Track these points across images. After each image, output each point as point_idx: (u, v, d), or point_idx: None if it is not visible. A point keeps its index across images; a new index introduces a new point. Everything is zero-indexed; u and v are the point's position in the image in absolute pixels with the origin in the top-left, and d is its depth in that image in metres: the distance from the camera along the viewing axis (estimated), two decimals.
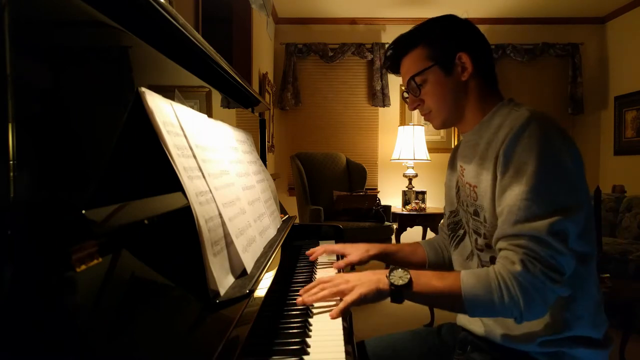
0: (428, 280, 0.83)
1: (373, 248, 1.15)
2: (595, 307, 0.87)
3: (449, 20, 0.99)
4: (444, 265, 1.17)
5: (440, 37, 0.96)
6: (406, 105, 4.64)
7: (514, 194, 0.80)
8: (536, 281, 0.76)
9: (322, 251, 1.18)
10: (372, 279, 0.84)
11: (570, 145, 0.83)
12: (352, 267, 2.17)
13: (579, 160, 0.83)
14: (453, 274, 0.84)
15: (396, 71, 1.05)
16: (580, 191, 0.82)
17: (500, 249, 0.83)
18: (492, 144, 0.89)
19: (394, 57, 1.04)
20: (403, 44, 1.01)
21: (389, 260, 1.18)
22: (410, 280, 0.82)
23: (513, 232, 0.80)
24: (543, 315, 0.81)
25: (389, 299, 0.82)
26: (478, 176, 0.92)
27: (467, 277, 0.81)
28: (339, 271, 1.11)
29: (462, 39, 0.96)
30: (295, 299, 0.92)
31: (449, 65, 0.95)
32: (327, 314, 0.86)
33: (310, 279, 1.05)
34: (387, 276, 0.83)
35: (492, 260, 0.90)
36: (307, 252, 1.18)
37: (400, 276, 0.83)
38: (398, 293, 0.82)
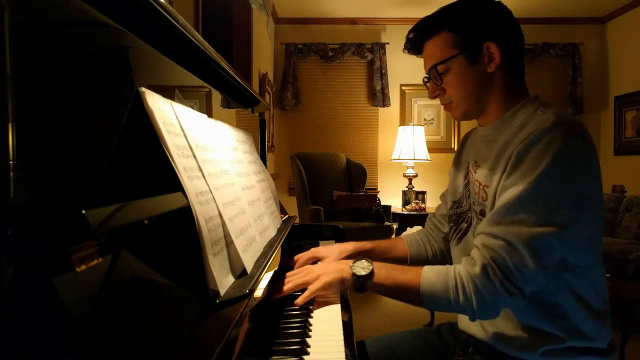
0: (389, 272, 0.85)
1: (346, 248, 1.10)
2: (600, 317, 0.84)
3: (478, 4, 0.90)
4: (426, 259, 1.14)
5: (467, 23, 0.89)
6: (406, 105, 4.65)
7: (510, 195, 0.77)
8: (492, 288, 0.76)
9: (298, 265, 1.05)
10: (337, 268, 0.88)
11: (590, 159, 0.78)
12: None
13: (597, 176, 0.78)
14: (416, 268, 0.85)
15: (417, 53, 0.98)
16: (584, 209, 0.77)
17: (475, 245, 0.82)
18: (510, 144, 0.84)
19: (415, 39, 0.97)
20: (426, 28, 0.94)
21: (366, 256, 1.15)
22: (372, 271, 0.85)
23: (491, 231, 0.78)
24: (494, 317, 0.82)
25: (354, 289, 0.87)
26: (491, 176, 0.87)
27: (427, 273, 0.83)
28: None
29: (491, 27, 0.88)
30: (295, 299, 0.92)
31: (475, 55, 0.88)
32: (328, 313, 0.86)
33: None
34: (350, 266, 0.87)
35: None
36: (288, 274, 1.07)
37: (363, 267, 0.86)
38: (360, 283, 0.85)
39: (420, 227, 4.25)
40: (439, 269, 0.83)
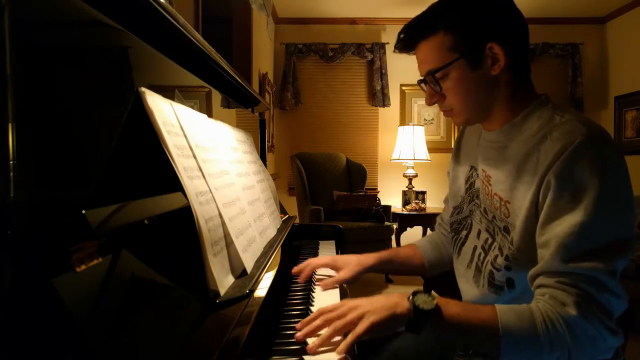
0: (459, 309, 0.71)
1: (366, 259, 1.02)
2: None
3: None
4: (447, 264, 1.09)
5: (467, 23, 0.79)
6: (406, 105, 4.64)
7: (568, 225, 0.68)
8: (591, 329, 0.66)
9: (311, 269, 1.03)
10: (387, 303, 0.71)
11: (624, 166, 0.72)
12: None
13: (631, 186, 0.72)
14: (488, 307, 0.71)
15: (409, 52, 0.88)
16: (634, 217, 0.72)
17: (542, 285, 0.71)
18: (532, 156, 0.76)
19: (407, 40, 0.87)
20: (420, 28, 0.84)
21: (386, 270, 1.09)
22: (437, 305, 0.69)
23: (565, 270, 0.68)
24: None
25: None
26: (512, 190, 0.79)
27: (506, 313, 0.69)
28: (341, 294, 0.95)
29: (493, 24, 0.79)
30: (295, 299, 0.92)
31: (476, 58, 0.79)
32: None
33: (310, 280, 1.05)
34: (408, 299, 0.70)
35: (510, 283, 0.81)
36: (294, 271, 1.03)
37: (424, 300, 0.70)
38: (421, 320, 0.69)
39: (420, 227, 4.18)
40: (519, 309, 0.70)
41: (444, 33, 0.80)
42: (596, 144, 0.70)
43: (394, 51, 0.93)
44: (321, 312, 0.73)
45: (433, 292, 0.73)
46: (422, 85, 0.88)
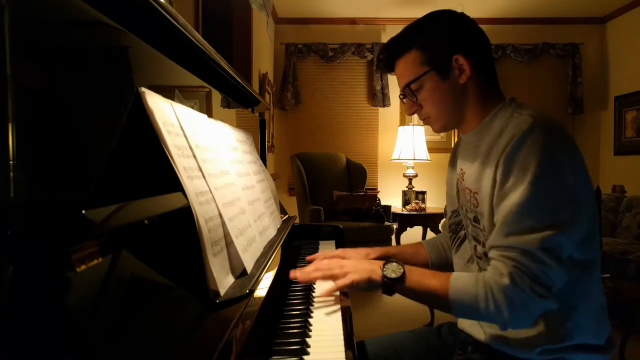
0: (420, 277, 0.85)
1: (373, 252, 1.11)
2: (599, 314, 0.86)
3: (442, 19, 0.93)
4: (447, 265, 1.15)
5: (434, 39, 0.91)
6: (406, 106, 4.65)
7: (510, 204, 0.78)
8: (523, 295, 0.76)
9: (322, 257, 1.11)
10: (367, 267, 0.87)
11: (573, 152, 0.80)
12: None
13: (582, 168, 0.80)
14: (445, 274, 0.84)
15: (390, 71, 1.01)
16: (580, 202, 0.79)
17: (491, 258, 0.82)
18: (493, 149, 0.86)
19: (386, 60, 1.00)
20: (395, 48, 0.96)
21: None
22: (404, 274, 0.84)
23: (504, 244, 0.79)
24: (528, 325, 0.82)
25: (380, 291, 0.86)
26: (478, 182, 0.89)
27: (456, 281, 0.82)
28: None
29: (457, 39, 0.91)
30: (295, 299, 0.92)
31: (445, 69, 0.90)
32: (328, 313, 0.86)
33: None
34: (381, 267, 0.86)
35: None
36: (308, 258, 1.14)
37: (393, 269, 0.85)
38: (390, 286, 0.84)
39: (420, 227, 4.19)
40: (468, 277, 0.82)
41: (417, 50, 0.92)
42: (538, 131, 0.79)
43: (375, 71, 1.05)
44: (316, 263, 0.94)
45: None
46: (403, 100, 1.02)
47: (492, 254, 0.82)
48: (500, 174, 0.81)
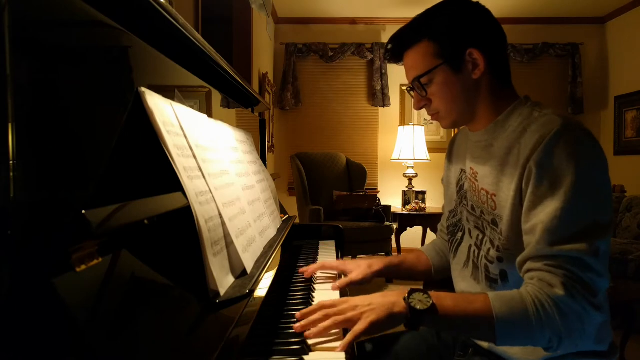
0: (454, 303, 0.73)
1: (376, 263, 1.05)
2: (603, 322, 0.80)
3: (457, 9, 0.87)
4: (449, 270, 1.10)
5: (448, 31, 0.85)
6: (406, 105, 4.64)
7: (550, 210, 0.73)
8: (578, 307, 0.70)
9: (318, 268, 1.06)
10: (384, 302, 0.73)
11: (602, 153, 0.76)
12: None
13: (607, 171, 0.76)
14: (479, 295, 0.75)
15: (398, 62, 0.95)
16: (612, 205, 0.75)
17: (530, 270, 0.75)
18: (513, 150, 0.81)
19: (395, 50, 0.93)
20: (405, 38, 0.90)
21: (394, 275, 1.12)
22: (433, 304, 0.72)
23: (550, 253, 0.72)
24: (581, 342, 0.73)
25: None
26: (497, 184, 0.84)
27: (497, 301, 0.73)
28: (340, 293, 0.97)
29: (472, 32, 0.85)
30: (295, 299, 0.92)
31: (458, 63, 0.85)
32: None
33: (310, 279, 1.05)
34: (404, 299, 0.73)
35: (503, 275, 0.85)
36: (301, 270, 1.06)
37: (420, 299, 0.73)
38: (417, 319, 0.72)
39: (420, 227, 4.18)
40: (508, 295, 0.74)
41: (428, 41, 0.86)
42: (572, 132, 0.75)
43: (383, 62, 1.00)
44: (321, 306, 0.75)
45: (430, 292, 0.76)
46: (411, 92, 0.96)
47: (532, 265, 0.75)
48: (533, 178, 0.75)
